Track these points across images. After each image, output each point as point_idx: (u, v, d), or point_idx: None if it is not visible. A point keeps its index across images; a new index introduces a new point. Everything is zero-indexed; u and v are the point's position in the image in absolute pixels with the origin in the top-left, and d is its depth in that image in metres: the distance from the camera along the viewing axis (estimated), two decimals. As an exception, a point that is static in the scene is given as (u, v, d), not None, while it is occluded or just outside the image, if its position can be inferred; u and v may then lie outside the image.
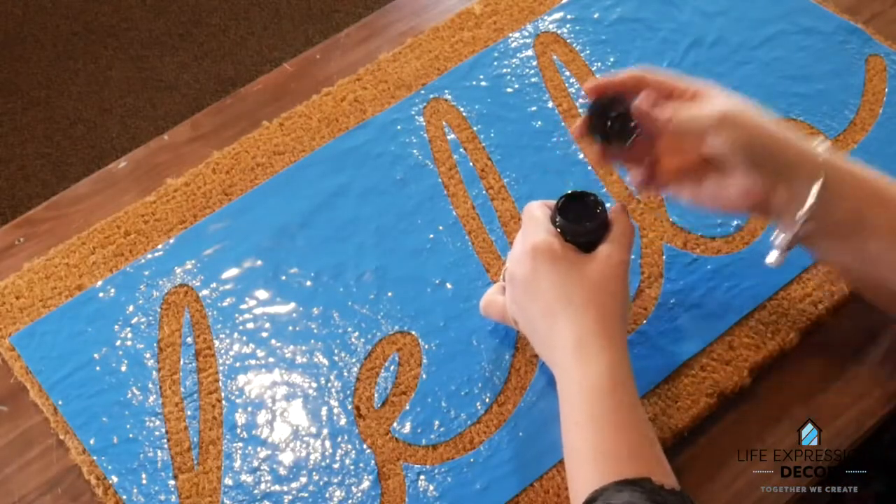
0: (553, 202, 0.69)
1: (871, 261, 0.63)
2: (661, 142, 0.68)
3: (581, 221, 0.67)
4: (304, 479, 0.68)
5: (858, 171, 0.63)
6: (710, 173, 0.65)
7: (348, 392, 0.72)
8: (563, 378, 0.64)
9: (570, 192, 0.68)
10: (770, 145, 0.62)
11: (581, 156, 0.85)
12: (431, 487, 0.68)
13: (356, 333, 0.75)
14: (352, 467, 0.69)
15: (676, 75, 0.67)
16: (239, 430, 0.71)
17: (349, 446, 0.70)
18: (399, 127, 0.87)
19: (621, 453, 0.59)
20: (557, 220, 0.67)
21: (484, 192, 0.83)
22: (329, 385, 0.73)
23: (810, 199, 0.61)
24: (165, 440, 0.70)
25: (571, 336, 0.63)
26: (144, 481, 0.69)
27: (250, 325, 0.76)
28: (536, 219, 0.68)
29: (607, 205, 0.68)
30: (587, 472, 0.60)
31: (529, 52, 0.93)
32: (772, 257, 0.65)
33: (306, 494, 0.68)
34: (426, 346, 0.74)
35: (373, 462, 0.69)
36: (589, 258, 0.65)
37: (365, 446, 0.70)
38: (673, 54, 0.92)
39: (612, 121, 0.68)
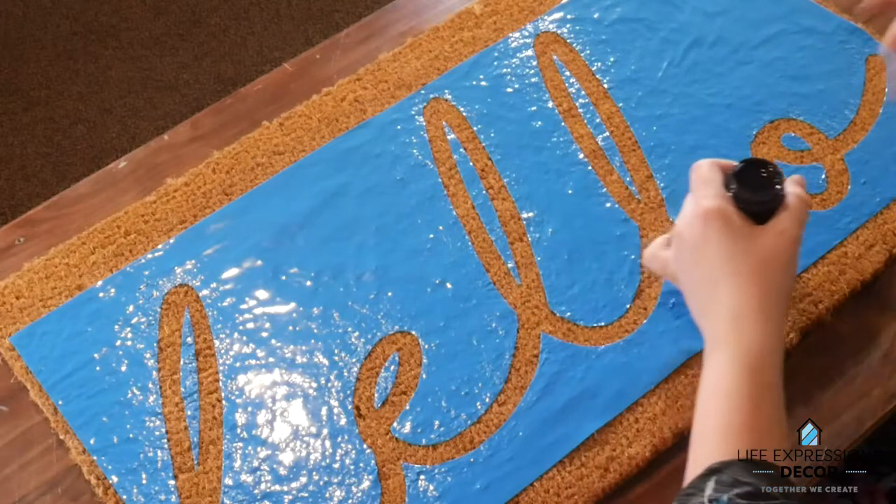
0: (723, 162, 0.67)
1: None
2: None
3: (757, 191, 0.64)
4: (304, 479, 0.68)
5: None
6: None
7: (348, 392, 0.72)
8: (714, 347, 0.63)
9: (749, 157, 0.66)
10: None
11: (581, 155, 0.85)
12: (431, 487, 0.68)
13: (356, 333, 0.75)
14: (352, 467, 0.69)
15: None
16: (239, 430, 0.71)
17: (349, 446, 0.70)
18: (399, 127, 0.87)
19: (754, 431, 0.59)
20: (733, 185, 0.65)
21: (484, 192, 0.83)
22: (329, 385, 0.73)
23: None
24: (165, 440, 0.70)
25: (731, 307, 0.62)
26: (144, 481, 0.69)
27: (250, 325, 0.76)
28: (709, 181, 0.66)
29: (785, 177, 0.66)
30: (715, 443, 0.59)
31: (529, 52, 0.93)
32: None
33: (306, 494, 0.68)
34: (426, 346, 0.74)
35: (373, 462, 0.69)
36: (763, 230, 0.64)
37: (365, 446, 0.70)
38: (673, 54, 0.92)
39: None
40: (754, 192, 0.65)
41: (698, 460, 0.58)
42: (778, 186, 0.65)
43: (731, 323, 0.62)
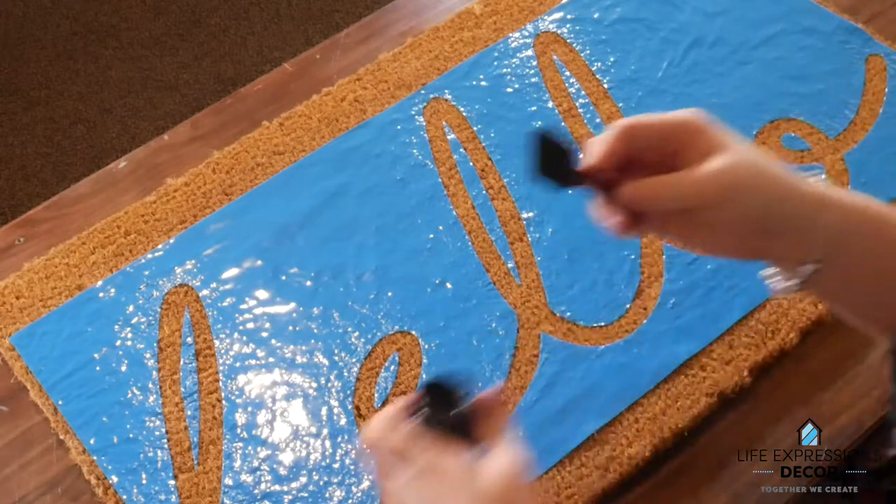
0: (398, 405, 0.56)
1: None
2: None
3: (450, 407, 0.55)
4: (304, 479, 0.68)
5: (859, 206, 0.54)
6: (702, 228, 0.54)
7: (348, 392, 0.72)
8: None
9: (427, 381, 0.56)
10: (776, 207, 0.52)
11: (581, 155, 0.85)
12: (431, 487, 0.68)
13: (356, 333, 0.75)
14: (352, 467, 0.69)
15: (660, 121, 0.54)
16: (239, 430, 0.71)
17: (349, 446, 0.70)
18: (399, 127, 0.87)
19: None
20: (424, 412, 0.55)
21: (484, 192, 0.83)
22: (329, 385, 0.73)
23: (815, 256, 0.53)
24: (165, 440, 0.70)
25: None
26: (144, 481, 0.69)
27: (250, 325, 0.76)
28: (402, 448, 0.53)
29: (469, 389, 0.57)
30: None
31: (529, 52, 0.93)
32: (776, 287, 0.56)
33: (306, 494, 0.68)
34: (426, 346, 0.74)
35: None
36: (483, 472, 0.52)
37: (365, 446, 0.70)
38: (673, 54, 0.92)
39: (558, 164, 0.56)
40: (448, 409, 0.55)
41: None
42: (465, 396, 0.56)
43: None
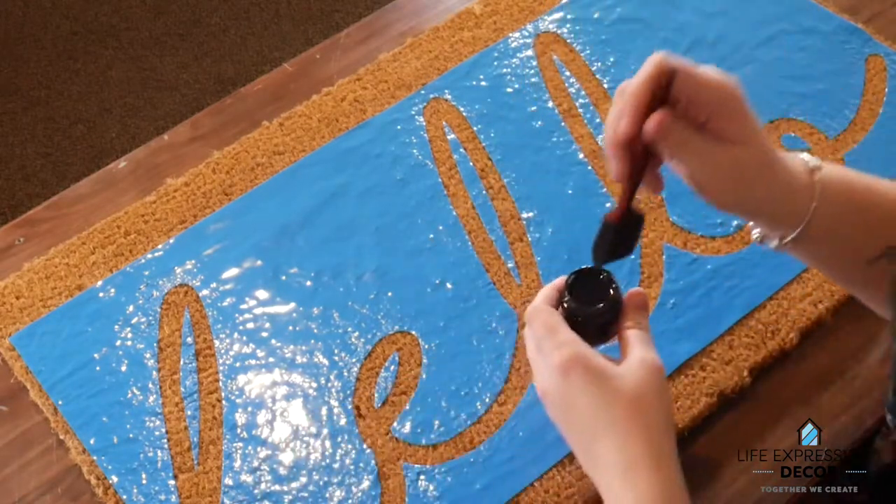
0: (556, 284, 0.62)
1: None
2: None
3: (592, 302, 0.60)
4: (304, 479, 0.68)
5: (840, 185, 0.60)
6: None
7: (348, 392, 0.72)
8: (612, 500, 0.57)
9: (579, 268, 0.62)
10: (767, 177, 0.58)
11: (581, 155, 0.85)
12: (431, 487, 0.68)
13: (356, 333, 0.75)
14: (352, 467, 0.69)
15: (705, 78, 0.57)
16: (239, 430, 0.71)
17: (349, 446, 0.70)
18: (399, 127, 0.87)
19: None
20: (566, 300, 0.61)
21: (484, 192, 0.83)
22: (329, 385, 0.73)
23: (804, 222, 0.59)
24: (165, 440, 0.70)
25: (617, 461, 0.57)
26: (144, 481, 0.69)
27: (250, 325, 0.76)
28: (552, 327, 0.59)
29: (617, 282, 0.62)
30: None
31: (529, 52, 0.93)
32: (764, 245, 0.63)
33: (306, 494, 0.68)
34: (426, 346, 0.74)
35: (373, 462, 0.69)
36: (625, 366, 0.58)
37: (365, 446, 0.70)
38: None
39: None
40: (590, 303, 0.60)
41: None
42: (612, 292, 0.61)
43: (622, 478, 0.56)
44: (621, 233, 0.61)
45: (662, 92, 0.56)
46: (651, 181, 0.61)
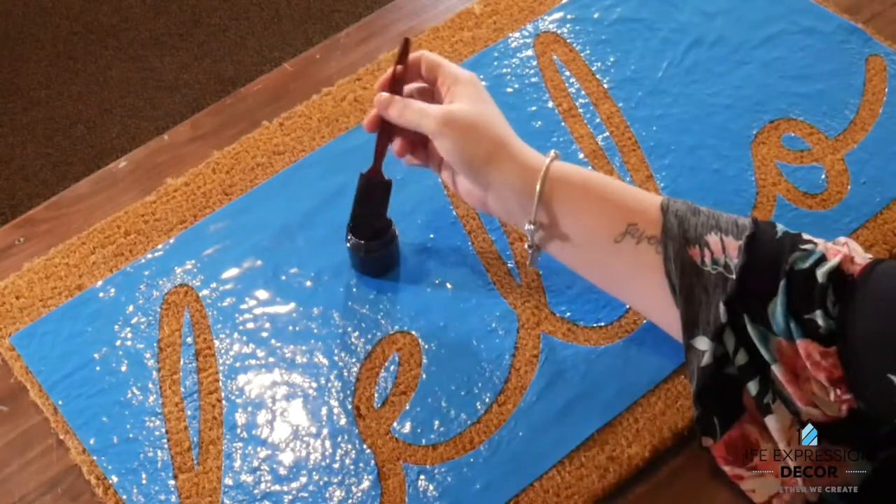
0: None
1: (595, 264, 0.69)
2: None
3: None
4: (304, 479, 0.68)
5: (576, 177, 0.68)
6: (435, 157, 0.73)
7: (348, 392, 0.72)
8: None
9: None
10: (482, 155, 0.67)
11: (581, 155, 0.85)
12: (431, 487, 0.68)
13: (356, 333, 0.75)
14: (352, 467, 0.69)
15: (446, 64, 0.72)
16: (239, 430, 0.71)
17: (349, 446, 0.70)
18: (399, 127, 0.87)
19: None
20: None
21: (484, 192, 0.83)
22: (329, 385, 0.73)
23: (531, 215, 0.67)
24: (165, 440, 0.70)
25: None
26: (144, 481, 0.69)
27: (250, 325, 0.76)
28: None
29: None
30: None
31: (529, 52, 0.93)
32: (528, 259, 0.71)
33: (306, 494, 0.68)
34: (426, 346, 0.74)
35: (373, 462, 0.69)
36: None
37: (365, 446, 0.70)
38: (673, 54, 0.92)
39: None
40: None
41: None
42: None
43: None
44: (370, 189, 0.74)
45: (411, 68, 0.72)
46: (397, 146, 0.74)
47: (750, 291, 0.60)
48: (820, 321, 0.58)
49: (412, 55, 0.72)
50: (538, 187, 0.66)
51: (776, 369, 0.60)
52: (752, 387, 0.61)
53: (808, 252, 0.60)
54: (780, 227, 0.63)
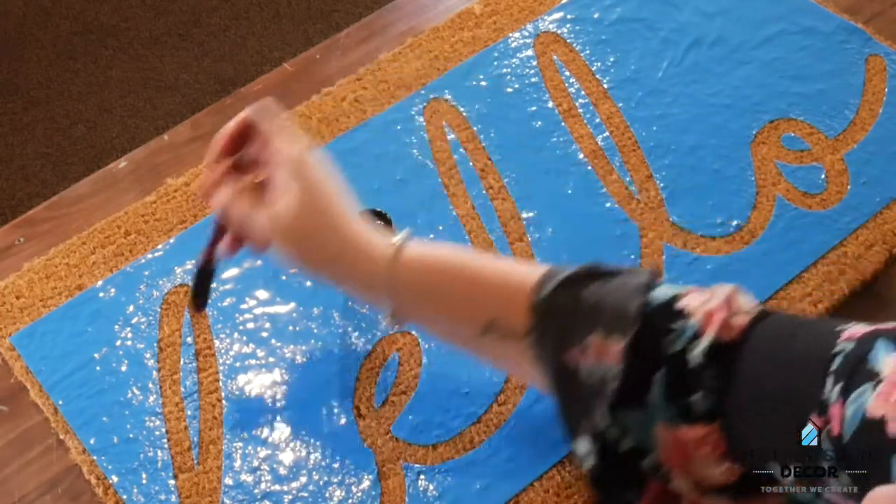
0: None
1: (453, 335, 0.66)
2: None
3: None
4: (304, 479, 0.68)
5: (432, 263, 0.63)
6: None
7: (348, 392, 0.72)
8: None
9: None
10: (323, 260, 0.63)
11: (581, 155, 0.85)
12: (431, 487, 0.68)
13: (356, 333, 0.75)
14: (352, 467, 0.69)
15: (280, 131, 0.66)
16: (239, 430, 0.71)
17: (349, 446, 0.70)
18: (399, 127, 0.87)
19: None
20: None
21: (484, 192, 0.83)
22: (329, 385, 0.73)
23: (387, 309, 0.63)
24: (165, 440, 0.70)
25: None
26: (144, 481, 0.69)
27: (250, 325, 0.76)
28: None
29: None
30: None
31: (529, 52, 0.93)
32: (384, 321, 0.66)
33: (306, 494, 0.68)
34: (426, 346, 0.74)
35: (373, 462, 0.69)
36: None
37: (365, 446, 0.70)
38: (673, 54, 0.92)
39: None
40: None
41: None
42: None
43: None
44: (202, 276, 0.71)
45: (241, 141, 0.67)
46: (225, 245, 0.68)
47: (631, 388, 0.55)
48: (699, 403, 0.54)
49: (243, 114, 0.67)
50: (388, 283, 0.62)
51: (662, 454, 0.56)
52: (647, 464, 0.57)
53: (679, 331, 0.54)
54: (658, 294, 0.57)
